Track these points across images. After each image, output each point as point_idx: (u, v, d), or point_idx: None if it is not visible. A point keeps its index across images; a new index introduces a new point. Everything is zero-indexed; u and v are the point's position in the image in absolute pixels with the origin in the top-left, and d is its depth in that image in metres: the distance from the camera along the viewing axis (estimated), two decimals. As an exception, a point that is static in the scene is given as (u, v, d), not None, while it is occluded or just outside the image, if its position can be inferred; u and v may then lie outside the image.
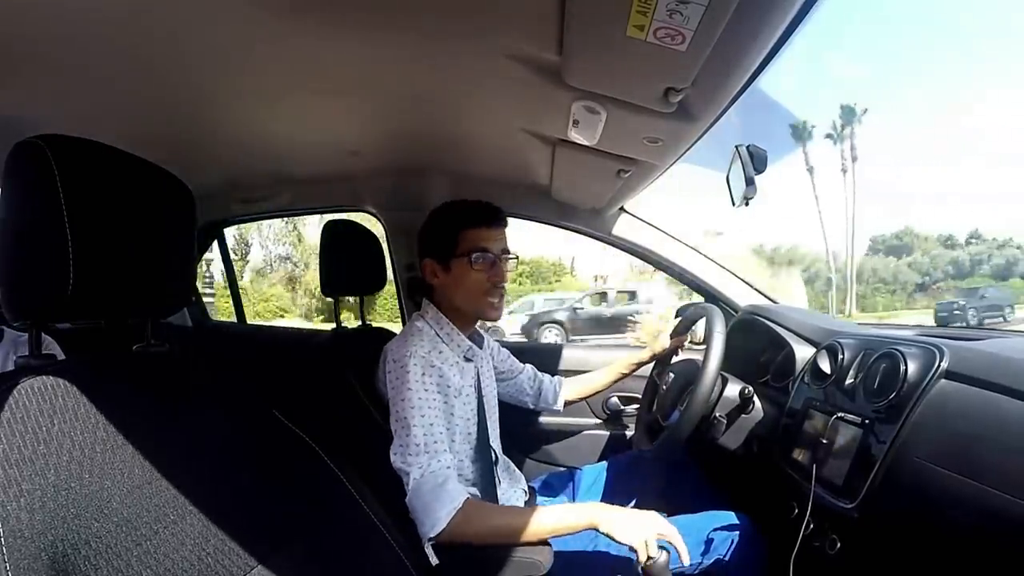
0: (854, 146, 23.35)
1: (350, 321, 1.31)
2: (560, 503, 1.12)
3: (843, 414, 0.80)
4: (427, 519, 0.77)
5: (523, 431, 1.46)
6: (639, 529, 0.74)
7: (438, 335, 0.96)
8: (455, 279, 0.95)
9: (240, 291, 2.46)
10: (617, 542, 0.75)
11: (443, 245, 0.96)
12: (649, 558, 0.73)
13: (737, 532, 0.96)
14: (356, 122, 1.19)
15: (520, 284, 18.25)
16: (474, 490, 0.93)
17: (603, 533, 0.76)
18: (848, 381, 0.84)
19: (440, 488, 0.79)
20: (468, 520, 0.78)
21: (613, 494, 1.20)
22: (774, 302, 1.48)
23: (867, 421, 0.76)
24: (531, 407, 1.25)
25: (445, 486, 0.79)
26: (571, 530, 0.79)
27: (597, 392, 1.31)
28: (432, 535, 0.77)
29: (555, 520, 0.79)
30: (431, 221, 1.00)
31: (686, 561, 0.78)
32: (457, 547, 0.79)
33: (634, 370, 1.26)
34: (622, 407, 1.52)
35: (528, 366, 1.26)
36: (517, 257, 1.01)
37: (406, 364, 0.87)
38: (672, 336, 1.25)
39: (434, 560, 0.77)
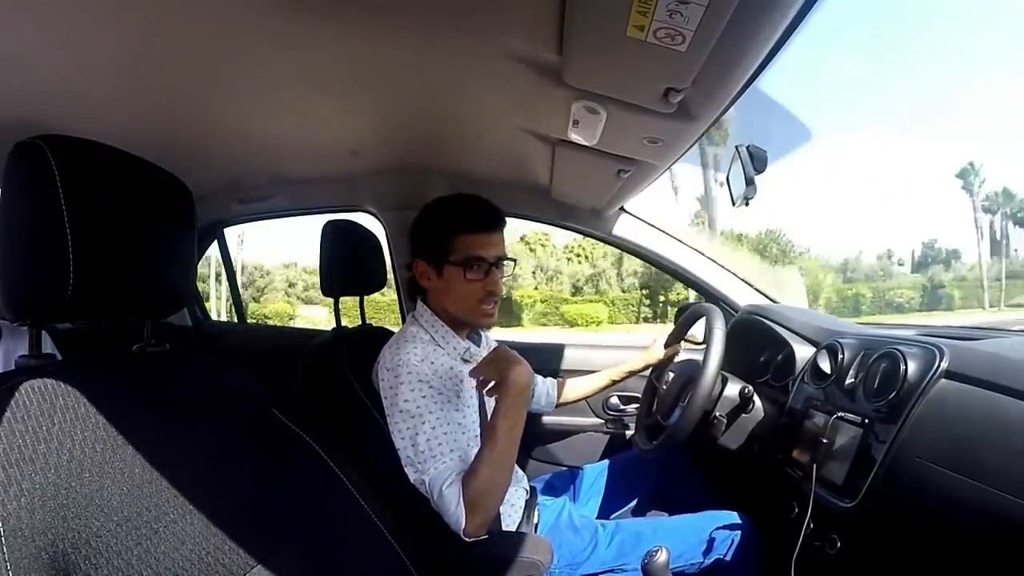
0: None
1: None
2: (561, 500, 1.12)
3: (843, 414, 0.80)
4: (451, 520, 0.78)
5: (524, 431, 1.46)
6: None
7: (433, 338, 0.94)
8: (447, 285, 0.92)
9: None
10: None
11: (436, 248, 0.91)
12: (649, 556, 0.74)
13: (737, 532, 0.96)
14: (356, 122, 1.19)
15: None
16: None
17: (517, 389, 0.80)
18: (848, 381, 0.84)
19: (443, 488, 0.79)
20: (477, 499, 0.78)
21: (614, 493, 1.21)
22: (774, 302, 1.48)
23: (867, 421, 0.76)
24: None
25: (446, 484, 0.79)
26: (521, 419, 0.82)
27: (588, 396, 1.31)
28: (462, 530, 0.77)
29: (510, 432, 0.80)
30: (424, 219, 0.95)
31: None
32: (491, 520, 0.80)
33: (627, 377, 1.27)
34: (623, 407, 1.52)
35: None
36: (515, 261, 0.99)
37: (399, 374, 0.85)
38: (669, 340, 1.25)
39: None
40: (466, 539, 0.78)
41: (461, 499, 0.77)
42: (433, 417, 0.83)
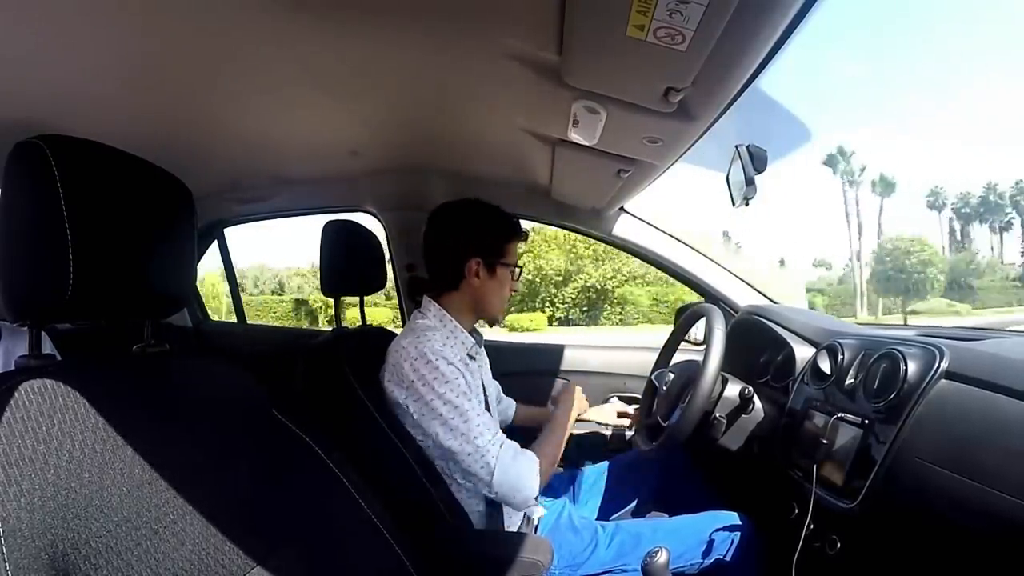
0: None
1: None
2: (561, 501, 1.12)
3: (843, 414, 0.80)
4: (528, 483, 0.88)
5: (525, 430, 1.46)
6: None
7: (442, 332, 0.96)
8: (497, 284, 1.01)
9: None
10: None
11: (494, 251, 1.00)
12: (649, 556, 0.74)
13: (737, 532, 0.96)
14: (356, 122, 1.19)
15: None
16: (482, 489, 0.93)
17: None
18: (848, 381, 0.84)
19: (517, 453, 0.89)
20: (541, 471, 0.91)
21: (614, 494, 1.21)
22: (774, 302, 1.48)
23: (867, 421, 0.75)
24: None
25: (517, 449, 0.90)
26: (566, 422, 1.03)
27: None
28: (537, 492, 0.89)
29: (562, 438, 1.00)
30: (481, 223, 1.01)
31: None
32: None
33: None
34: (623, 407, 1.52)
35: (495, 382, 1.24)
36: None
37: (430, 360, 0.89)
38: (668, 342, 1.25)
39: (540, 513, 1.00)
40: (529, 505, 0.91)
41: (537, 467, 0.89)
42: (471, 392, 0.91)
